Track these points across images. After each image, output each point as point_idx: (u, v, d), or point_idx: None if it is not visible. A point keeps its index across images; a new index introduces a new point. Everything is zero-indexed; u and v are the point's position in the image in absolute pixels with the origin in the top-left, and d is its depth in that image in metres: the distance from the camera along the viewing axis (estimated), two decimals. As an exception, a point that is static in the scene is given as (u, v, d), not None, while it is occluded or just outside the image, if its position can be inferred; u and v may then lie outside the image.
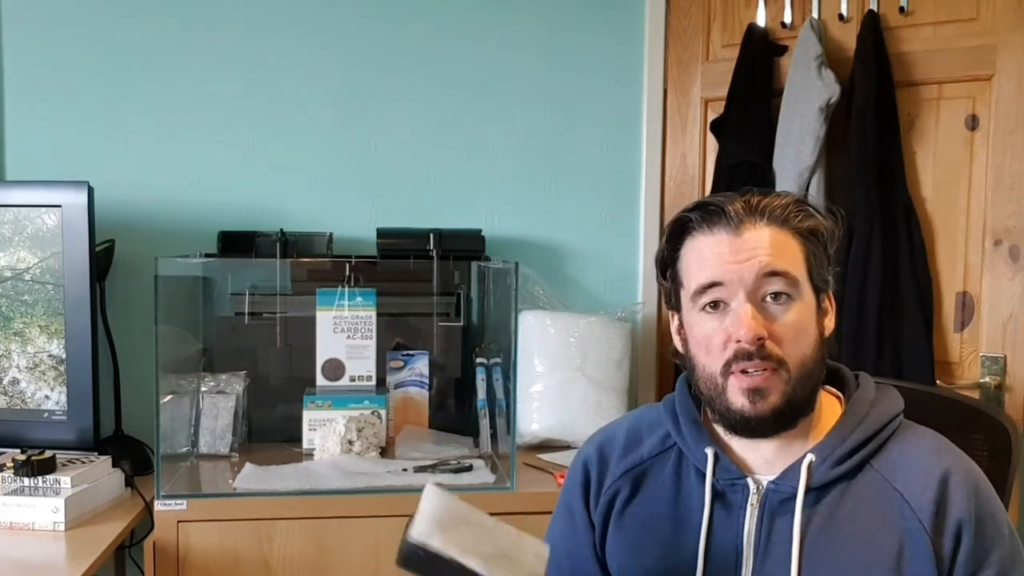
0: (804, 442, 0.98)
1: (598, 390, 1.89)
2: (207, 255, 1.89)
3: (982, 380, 1.80)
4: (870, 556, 0.92)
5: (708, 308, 0.95)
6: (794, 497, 0.94)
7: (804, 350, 0.93)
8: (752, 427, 0.94)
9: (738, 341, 0.91)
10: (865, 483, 0.95)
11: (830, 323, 0.99)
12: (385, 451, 1.80)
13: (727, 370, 0.93)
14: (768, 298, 0.93)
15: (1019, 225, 1.76)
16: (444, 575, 0.77)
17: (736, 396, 0.93)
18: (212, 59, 1.98)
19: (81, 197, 1.66)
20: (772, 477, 0.97)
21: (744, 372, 0.92)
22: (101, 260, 1.82)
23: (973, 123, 1.81)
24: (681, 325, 1.01)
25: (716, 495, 0.99)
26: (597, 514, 1.06)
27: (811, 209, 0.97)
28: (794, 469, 0.95)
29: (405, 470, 1.67)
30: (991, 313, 1.79)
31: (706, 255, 0.95)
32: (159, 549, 1.52)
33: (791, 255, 0.94)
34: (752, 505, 0.97)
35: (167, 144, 1.98)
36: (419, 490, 1.58)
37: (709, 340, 0.95)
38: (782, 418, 0.93)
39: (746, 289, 0.92)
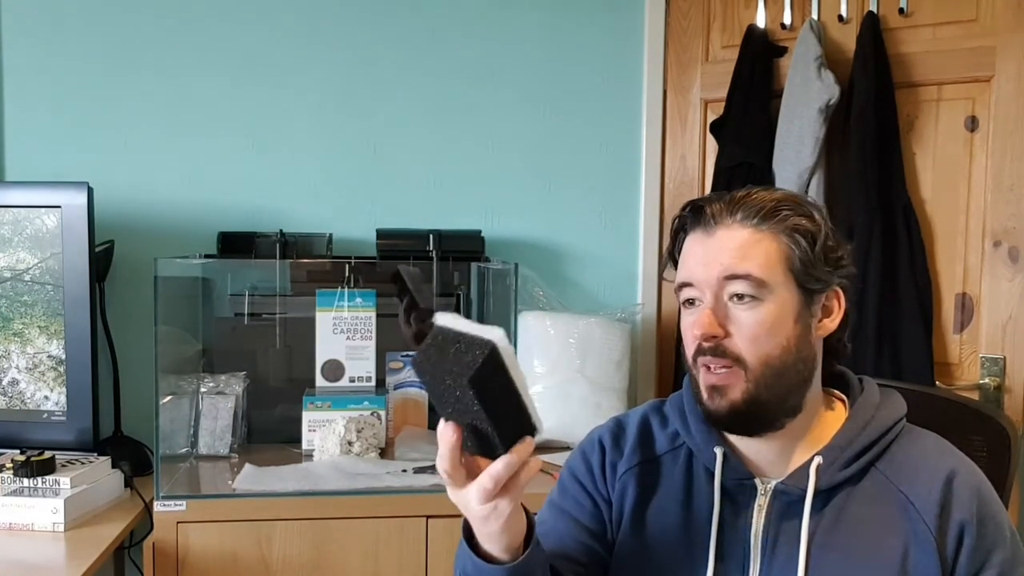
0: (809, 444, 0.98)
1: (598, 391, 1.89)
2: (207, 256, 1.89)
3: (981, 381, 1.80)
4: (876, 558, 0.92)
5: (687, 304, 0.99)
6: (802, 499, 0.95)
7: (769, 349, 0.93)
8: (715, 422, 0.97)
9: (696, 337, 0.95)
10: (870, 485, 0.96)
11: (830, 323, 0.99)
12: (384, 452, 1.80)
13: (695, 363, 0.97)
14: (734, 299, 0.95)
15: (1018, 226, 1.76)
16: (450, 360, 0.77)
17: (702, 390, 0.97)
18: (212, 59, 1.98)
19: (81, 198, 1.66)
20: (779, 478, 0.97)
21: (708, 368, 0.95)
22: (101, 261, 1.82)
23: (972, 124, 1.81)
24: None
25: (724, 494, 0.99)
26: (615, 496, 1.05)
27: (798, 207, 0.97)
28: (802, 471, 0.96)
29: (404, 471, 1.68)
30: (990, 314, 1.79)
31: (686, 254, 0.99)
32: (158, 550, 1.52)
33: (761, 256, 0.94)
34: (760, 506, 0.97)
35: (167, 144, 1.98)
36: (419, 491, 1.60)
37: (685, 333, 0.99)
38: (741, 416, 0.94)
39: (712, 290, 0.95)
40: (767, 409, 0.94)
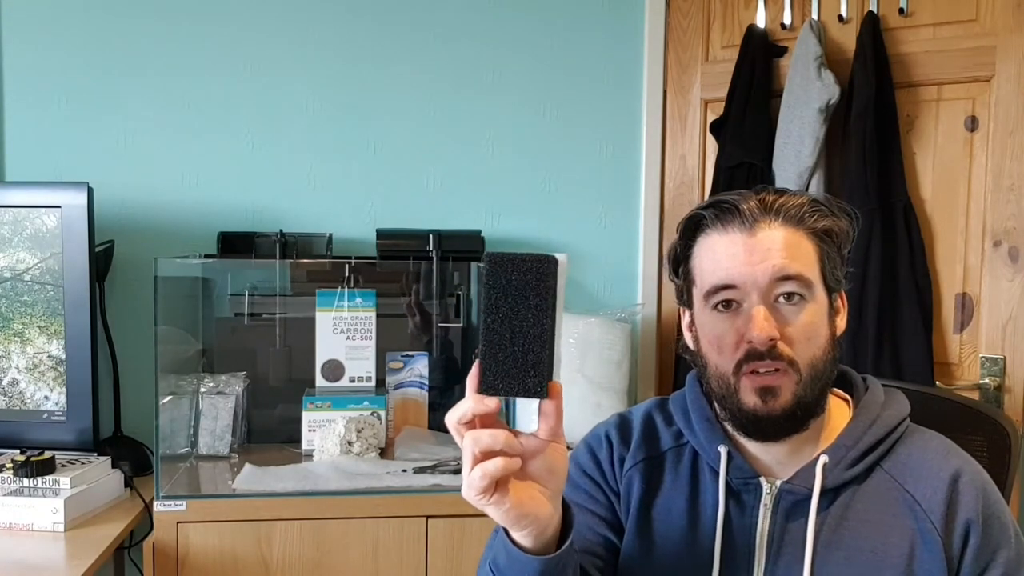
0: (815, 444, 0.98)
1: (598, 391, 1.88)
2: (206, 256, 1.89)
3: (981, 381, 1.80)
4: (881, 557, 0.92)
5: (720, 307, 0.95)
6: (808, 499, 0.95)
7: (815, 351, 0.93)
8: (763, 427, 0.94)
9: (750, 342, 0.91)
10: (875, 485, 0.96)
11: (842, 322, 0.99)
12: (384, 452, 1.80)
13: (739, 370, 0.93)
14: (781, 299, 0.93)
15: (1018, 226, 1.76)
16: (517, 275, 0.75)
17: (748, 395, 0.93)
18: (212, 59, 1.98)
19: (81, 198, 1.66)
20: (784, 477, 0.97)
21: (755, 372, 0.92)
22: (101, 261, 1.82)
23: (972, 124, 1.81)
24: (692, 322, 1.01)
25: (730, 493, 0.99)
26: (622, 489, 1.04)
27: (826, 209, 0.97)
28: (808, 471, 0.96)
29: (404, 471, 1.67)
30: (990, 314, 1.79)
31: (719, 255, 0.95)
32: (158, 550, 1.52)
33: (805, 256, 0.94)
34: (765, 506, 0.97)
35: (167, 144, 1.98)
36: (419, 491, 1.60)
37: (721, 340, 0.95)
38: (793, 418, 0.93)
39: (759, 291, 0.92)
40: (809, 410, 0.94)
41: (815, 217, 0.95)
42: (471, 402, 0.75)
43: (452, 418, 0.76)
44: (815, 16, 1.91)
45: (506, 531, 0.83)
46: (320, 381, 1.89)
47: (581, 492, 1.06)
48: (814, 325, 0.93)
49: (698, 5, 2.08)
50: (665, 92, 2.12)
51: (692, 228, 0.99)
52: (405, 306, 1.96)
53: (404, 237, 1.91)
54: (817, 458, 0.96)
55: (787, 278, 0.92)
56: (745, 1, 2.02)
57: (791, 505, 0.96)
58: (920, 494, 0.94)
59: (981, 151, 1.80)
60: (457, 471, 1.66)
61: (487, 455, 0.75)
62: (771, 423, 0.93)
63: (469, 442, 0.75)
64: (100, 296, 1.81)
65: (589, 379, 1.89)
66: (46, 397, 1.70)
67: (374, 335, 1.90)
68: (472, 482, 0.75)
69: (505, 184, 2.09)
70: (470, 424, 0.76)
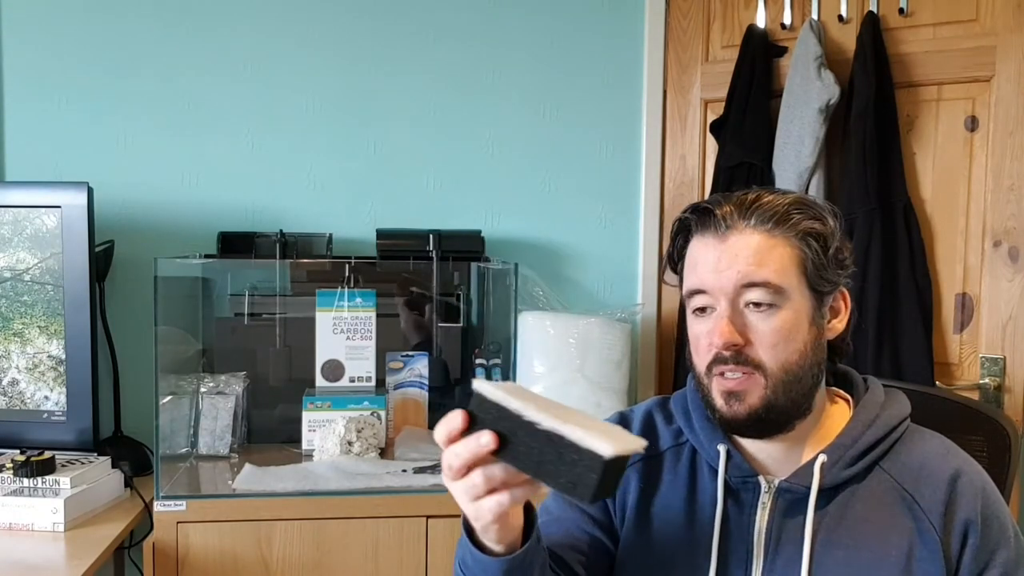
0: (814, 443, 0.99)
1: (598, 391, 1.88)
2: (206, 256, 1.88)
3: (981, 381, 1.80)
4: (880, 557, 0.93)
5: (698, 312, 0.97)
6: (806, 497, 0.95)
7: (787, 356, 0.93)
8: (732, 428, 0.96)
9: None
10: (874, 484, 0.96)
11: (838, 324, 0.99)
12: (384, 452, 1.80)
13: (709, 372, 0.95)
14: (751, 305, 0.93)
15: (1018, 226, 1.77)
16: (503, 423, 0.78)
17: (717, 397, 0.96)
18: (212, 59, 1.98)
19: (81, 198, 1.66)
20: (783, 476, 0.98)
21: (723, 375, 0.94)
22: (101, 261, 1.82)
23: (972, 124, 1.81)
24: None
25: (728, 492, 0.99)
26: (618, 489, 1.04)
27: (809, 209, 0.96)
28: (806, 469, 0.96)
29: (404, 471, 1.68)
30: (990, 314, 1.80)
31: (696, 260, 0.97)
32: (158, 550, 1.52)
33: (777, 262, 0.93)
34: (763, 504, 0.98)
35: (167, 144, 1.98)
36: (419, 491, 1.60)
37: (697, 342, 0.97)
38: (760, 421, 0.94)
39: (727, 297, 0.94)
40: (784, 413, 0.94)
41: (795, 219, 0.94)
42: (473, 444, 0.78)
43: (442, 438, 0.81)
44: (815, 16, 1.91)
45: (468, 535, 0.85)
46: (320, 381, 1.89)
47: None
48: (785, 331, 0.93)
49: (698, 5, 2.08)
50: (665, 92, 2.12)
51: (683, 231, 1.01)
52: (400, 307, 1.96)
53: (404, 237, 1.91)
54: (816, 457, 0.96)
55: (753, 285, 0.93)
56: (745, 1, 2.02)
57: (789, 504, 0.97)
58: (919, 494, 0.94)
59: (981, 151, 1.80)
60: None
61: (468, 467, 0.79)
62: (738, 425, 0.95)
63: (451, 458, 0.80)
64: (100, 296, 1.81)
65: (589, 379, 1.89)
66: (46, 397, 1.70)
67: (374, 335, 1.90)
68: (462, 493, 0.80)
69: (505, 184, 2.09)
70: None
